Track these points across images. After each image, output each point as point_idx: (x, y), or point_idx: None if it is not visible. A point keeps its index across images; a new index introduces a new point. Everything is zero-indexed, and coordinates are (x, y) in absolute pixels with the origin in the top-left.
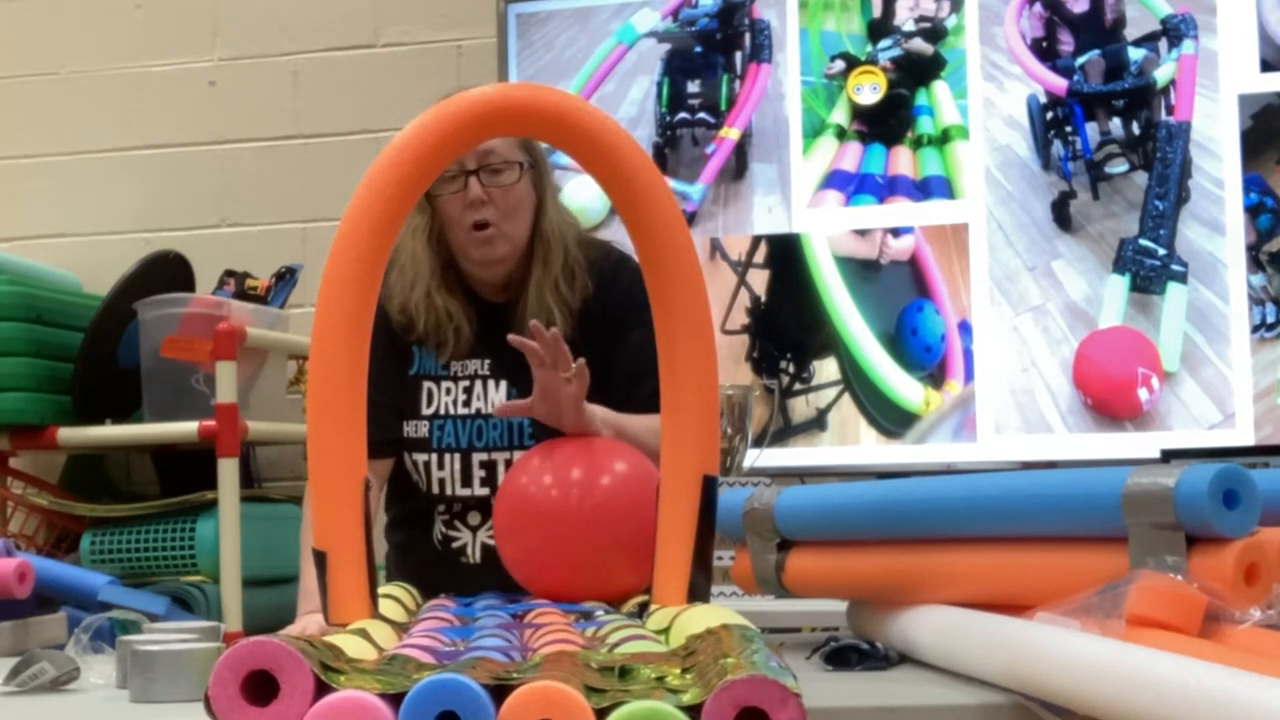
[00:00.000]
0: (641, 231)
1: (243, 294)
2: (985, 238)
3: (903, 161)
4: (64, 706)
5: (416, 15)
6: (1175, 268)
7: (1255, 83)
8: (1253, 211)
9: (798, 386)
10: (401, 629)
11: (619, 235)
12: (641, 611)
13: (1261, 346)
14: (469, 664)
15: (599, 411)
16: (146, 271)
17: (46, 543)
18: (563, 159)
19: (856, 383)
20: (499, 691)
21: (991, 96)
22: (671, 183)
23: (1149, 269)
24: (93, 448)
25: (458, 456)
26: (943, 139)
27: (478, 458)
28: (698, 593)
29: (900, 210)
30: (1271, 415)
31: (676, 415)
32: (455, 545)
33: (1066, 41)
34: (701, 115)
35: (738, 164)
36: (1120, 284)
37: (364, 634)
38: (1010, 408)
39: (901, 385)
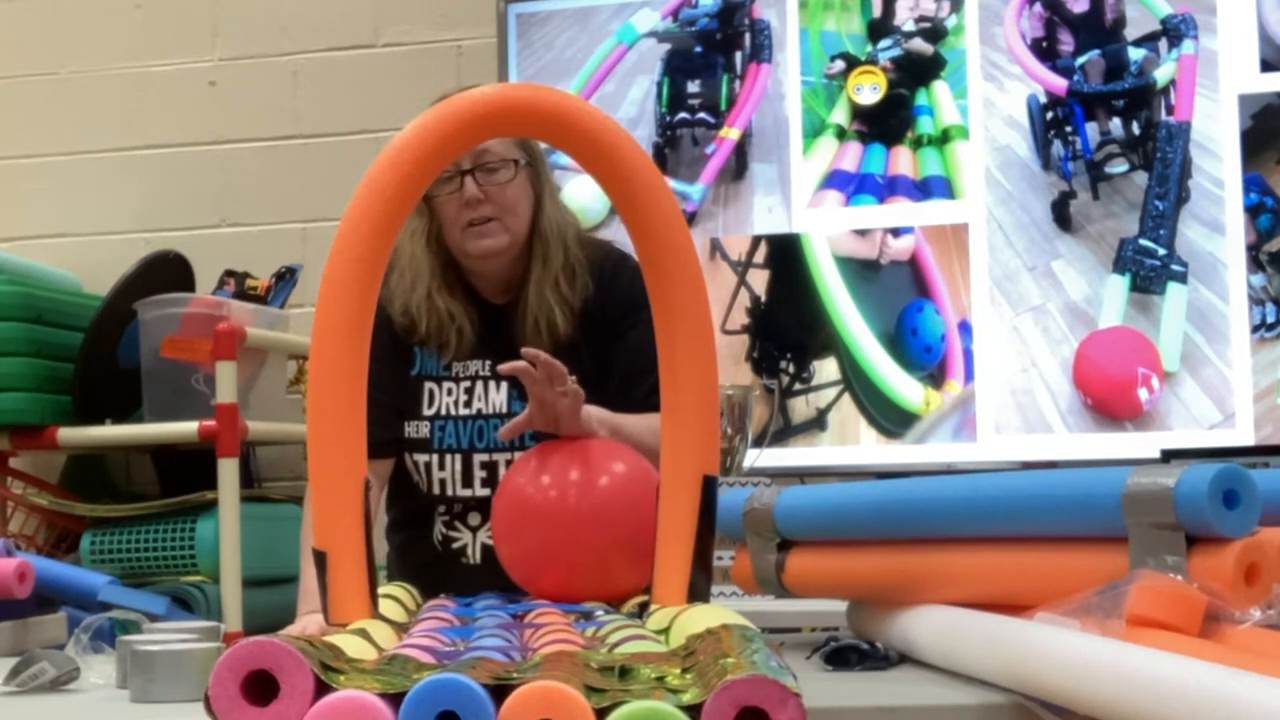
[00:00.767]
0: (641, 231)
1: (243, 294)
2: (985, 238)
3: (903, 161)
4: (64, 706)
5: (416, 15)
6: (1175, 268)
7: (1255, 83)
8: (1253, 211)
9: (798, 386)
10: (401, 629)
11: (619, 235)
12: (641, 611)
13: (1261, 346)
14: (469, 664)
15: (595, 412)
16: (146, 271)
17: (46, 543)
18: (563, 159)
19: (856, 383)
20: (499, 691)
21: (991, 96)
22: (671, 183)
23: (1149, 269)
24: (93, 448)
25: (459, 457)
26: (943, 139)
27: (478, 458)
28: (698, 593)
29: (900, 210)
30: (1271, 415)
31: (676, 415)
32: (455, 545)
33: (1066, 41)
34: (701, 115)
35: (738, 164)
36: (1120, 284)
37: (364, 634)
38: (1010, 408)
39: (901, 385)
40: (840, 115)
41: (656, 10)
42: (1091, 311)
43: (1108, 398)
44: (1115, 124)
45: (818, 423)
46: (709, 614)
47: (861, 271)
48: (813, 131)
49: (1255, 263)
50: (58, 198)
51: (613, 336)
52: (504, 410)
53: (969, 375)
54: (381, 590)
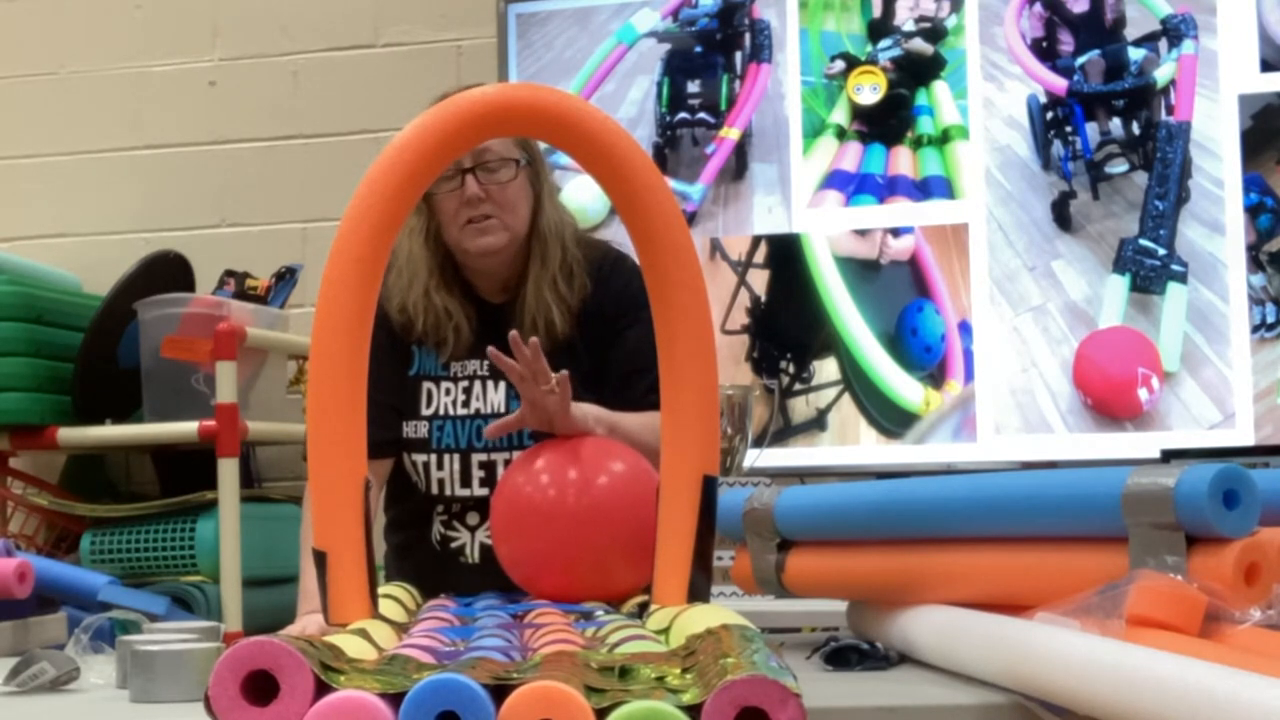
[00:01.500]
0: (641, 231)
1: (243, 294)
2: (985, 238)
3: (903, 161)
4: (64, 706)
5: (416, 15)
6: (1175, 268)
7: (1255, 83)
8: (1253, 211)
9: (798, 386)
10: (401, 629)
11: (619, 235)
12: (641, 611)
13: (1261, 346)
14: (469, 664)
15: (592, 410)
16: (146, 271)
17: (46, 543)
18: (563, 159)
19: (856, 383)
20: (499, 691)
21: (991, 96)
22: (671, 183)
23: (1149, 269)
24: (93, 448)
25: (457, 457)
26: (943, 139)
27: (477, 458)
28: (698, 593)
29: (900, 210)
30: (1271, 415)
31: (676, 415)
32: (454, 545)
33: (1066, 41)
34: (701, 115)
35: (738, 164)
36: (1120, 284)
37: (364, 634)
38: (1010, 408)
39: (901, 385)
40: (840, 115)
41: (656, 10)
42: (1091, 311)
43: (1108, 398)
44: (1115, 124)
45: (818, 423)
46: (709, 614)
47: (861, 271)
48: (813, 131)
49: (1255, 263)
50: (58, 198)
51: (611, 336)
52: (502, 410)
53: (969, 375)
54: (381, 590)
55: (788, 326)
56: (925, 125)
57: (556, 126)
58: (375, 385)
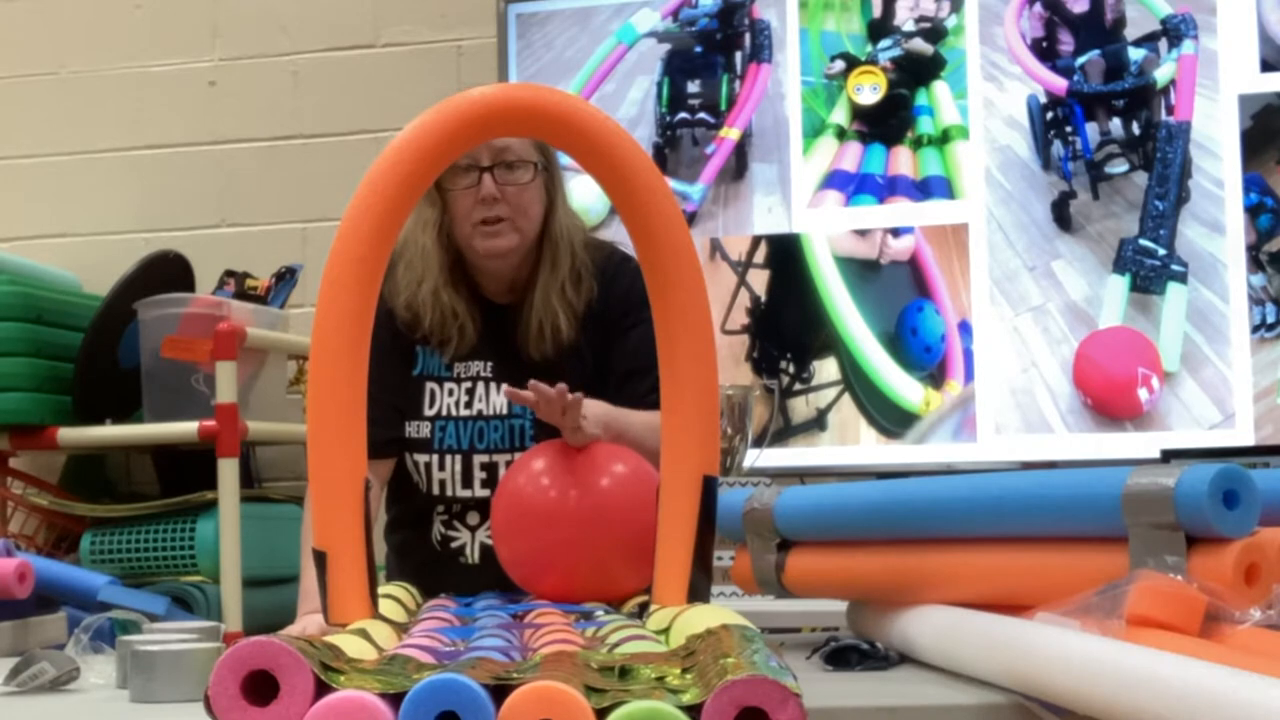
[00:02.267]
0: (641, 231)
1: (243, 294)
2: (985, 238)
3: (903, 161)
4: (64, 706)
5: (416, 15)
6: (1175, 268)
7: (1255, 83)
8: (1253, 211)
9: (798, 386)
10: (401, 629)
11: (619, 235)
12: (641, 612)
13: (1261, 346)
14: (469, 664)
15: (596, 409)
16: (146, 271)
17: (46, 543)
18: (563, 159)
19: (856, 383)
20: (499, 691)
21: (991, 96)
22: (671, 183)
23: (1149, 269)
24: (93, 448)
25: (459, 458)
26: (943, 139)
27: (479, 459)
28: (698, 593)
29: (900, 210)
30: (1271, 415)
31: (676, 415)
32: (454, 545)
33: (1066, 41)
34: (701, 115)
35: (738, 164)
36: (1120, 284)
37: (364, 634)
38: (1010, 408)
39: (901, 385)
40: (840, 115)
41: (656, 10)
42: (1091, 311)
43: (1108, 398)
44: (1115, 124)
45: (818, 423)
46: (709, 614)
47: (861, 271)
48: (813, 131)
49: (1255, 263)
50: (58, 198)
51: (614, 336)
52: (504, 411)
53: (969, 375)
54: (381, 590)
55: (788, 326)
56: (925, 125)
57: (557, 127)
58: (377, 384)
